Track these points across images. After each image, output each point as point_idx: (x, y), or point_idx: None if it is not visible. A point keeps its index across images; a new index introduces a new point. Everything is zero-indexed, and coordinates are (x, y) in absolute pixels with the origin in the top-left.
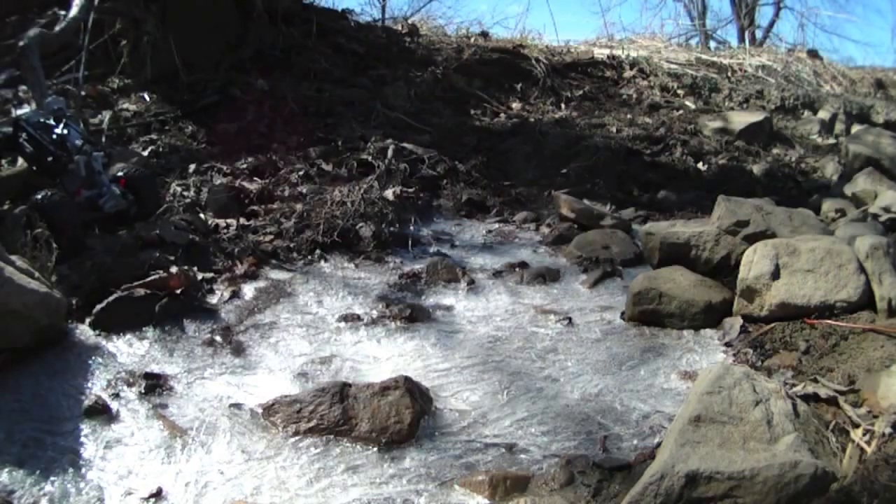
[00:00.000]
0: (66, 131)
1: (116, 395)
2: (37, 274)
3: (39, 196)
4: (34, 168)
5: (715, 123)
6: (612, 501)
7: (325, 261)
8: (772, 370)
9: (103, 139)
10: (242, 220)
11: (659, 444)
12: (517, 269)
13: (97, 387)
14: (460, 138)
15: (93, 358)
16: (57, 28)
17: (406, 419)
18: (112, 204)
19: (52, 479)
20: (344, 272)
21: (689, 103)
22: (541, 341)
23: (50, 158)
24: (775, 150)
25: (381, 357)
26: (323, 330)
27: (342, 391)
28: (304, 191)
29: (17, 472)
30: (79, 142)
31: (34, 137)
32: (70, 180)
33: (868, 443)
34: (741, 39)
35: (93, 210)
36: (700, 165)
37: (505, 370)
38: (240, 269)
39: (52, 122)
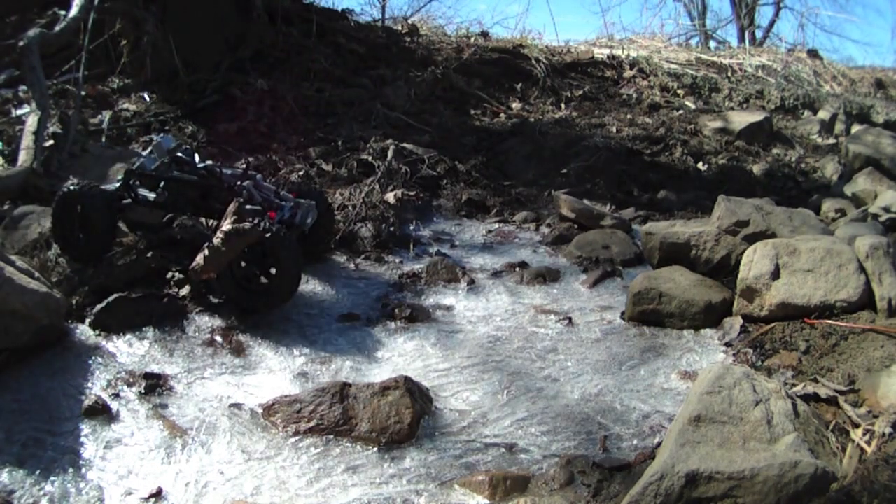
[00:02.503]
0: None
1: (116, 395)
2: (37, 274)
3: (73, 187)
4: (199, 211)
5: (715, 123)
6: (612, 501)
7: (326, 261)
8: (772, 370)
9: (103, 139)
10: None
11: (659, 444)
12: (517, 269)
13: (97, 387)
14: (460, 138)
15: (93, 358)
16: (57, 28)
17: (406, 419)
18: (309, 216)
19: (52, 479)
20: (344, 272)
21: (689, 103)
22: (541, 341)
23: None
24: (775, 150)
25: (381, 357)
26: (323, 330)
27: (342, 391)
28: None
29: (17, 472)
30: (228, 170)
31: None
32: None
33: (868, 443)
34: (741, 39)
35: (291, 228)
36: (700, 165)
37: (505, 370)
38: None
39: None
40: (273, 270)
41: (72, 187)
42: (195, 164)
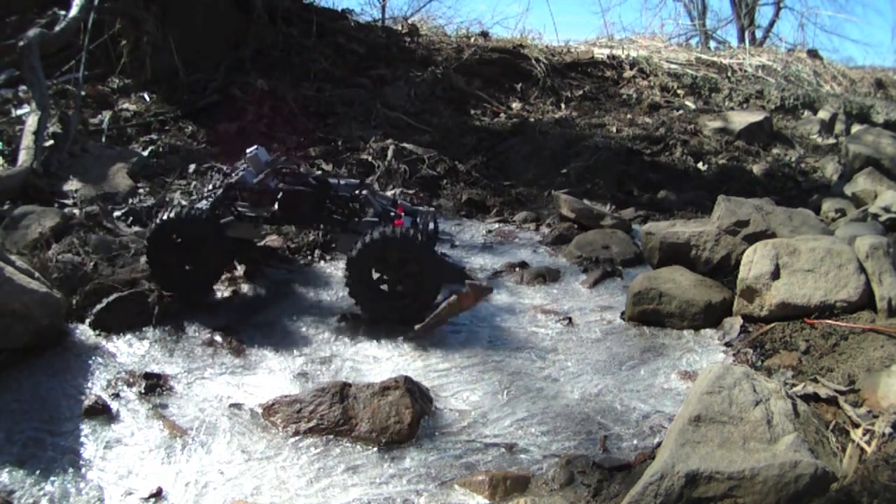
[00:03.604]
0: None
1: (116, 395)
2: (37, 274)
3: (170, 215)
4: (321, 225)
5: (715, 123)
6: (612, 501)
7: (325, 261)
8: (772, 370)
9: (103, 139)
10: None
11: (659, 444)
12: (517, 269)
13: (97, 387)
14: (460, 138)
15: (93, 358)
16: (57, 28)
17: (406, 419)
18: (431, 224)
19: (52, 479)
20: (344, 272)
21: (689, 103)
22: (541, 341)
23: (340, 209)
24: (775, 150)
25: (381, 357)
26: (323, 330)
27: (342, 391)
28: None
29: (17, 472)
30: (342, 180)
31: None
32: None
33: (868, 443)
34: (741, 39)
35: (423, 236)
36: (700, 165)
37: (505, 370)
38: (240, 269)
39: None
40: (410, 279)
41: (168, 216)
42: (305, 175)
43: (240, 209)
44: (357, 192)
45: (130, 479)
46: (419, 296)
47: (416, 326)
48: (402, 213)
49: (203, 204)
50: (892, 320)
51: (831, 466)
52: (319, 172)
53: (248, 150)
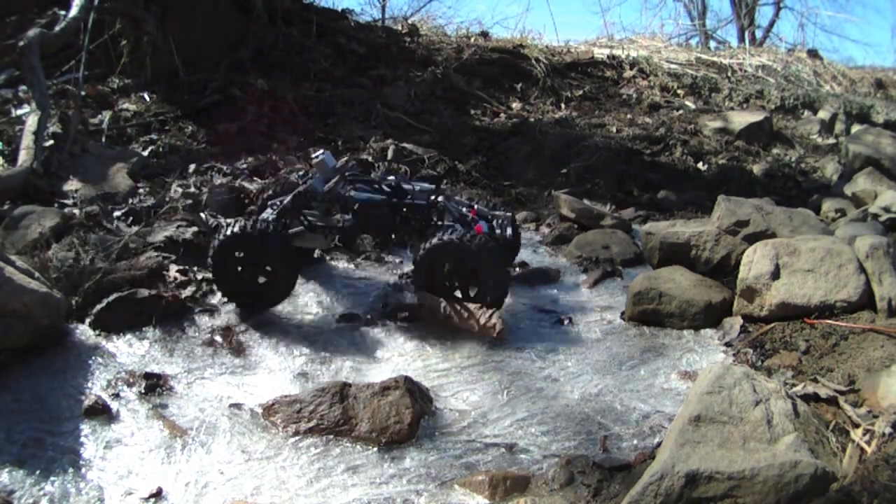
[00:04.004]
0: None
1: (116, 395)
2: (37, 274)
3: (235, 230)
4: (396, 234)
5: (715, 123)
6: (612, 501)
7: (325, 261)
8: (772, 370)
9: (103, 139)
10: None
11: (659, 444)
12: (517, 269)
13: (97, 387)
14: (460, 138)
15: (93, 358)
16: (57, 28)
17: (406, 419)
18: (508, 228)
19: (52, 479)
20: (344, 272)
21: (689, 103)
22: (541, 341)
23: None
24: (775, 150)
25: (381, 357)
26: (323, 330)
27: (342, 391)
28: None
29: (17, 472)
30: (416, 185)
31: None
32: (454, 226)
33: (868, 443)
34: (741, 39)
35: (496, 241)
36: (700, 165)
37: (505, 370)
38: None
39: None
40: (476, 284)
41: (233, 230)
42: (376, 181)
43: (310, 219)
44: (433, 197)
45: (130, 479)
46: (485, 301)
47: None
48: (478, 218)
49: (269, 214)
50: (892, 320)
51: (831, 466)
52: (392, 177)
53: (314, 156)
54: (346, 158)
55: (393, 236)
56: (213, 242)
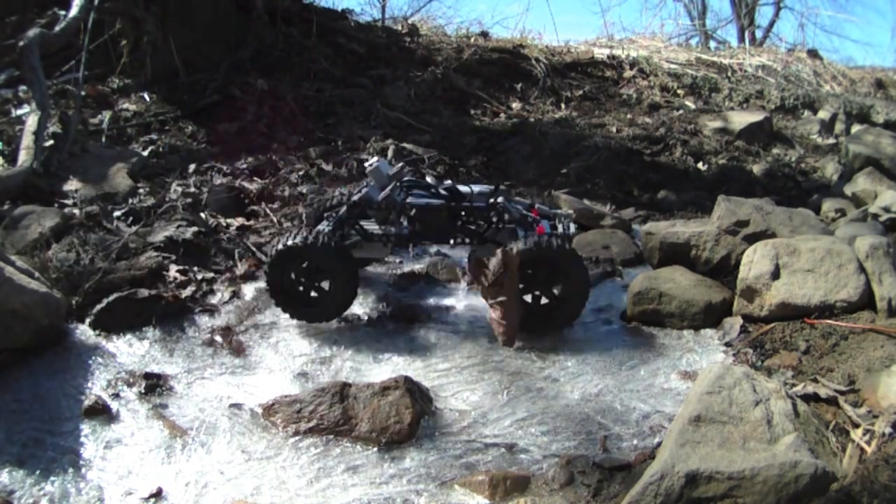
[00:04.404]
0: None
1: (116, 395)
2: (37, 274)
3: (290, 243)
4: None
5: (715, 123)
6: (612, 501)
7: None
8: (772, 370)
9: (103, 139)
10: (242, 220)
11: (659, 444)
12: None
13: (97, 387)
14: (460, 138)
15: (93, 358)
16: (57, 28)
17: (406, 419)
18: (571, 227)
19: (52, 479)
20: None
21: (689, 103)
22: (541, 341)
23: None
24: (775, 150)
25: (381, 357)
26: (323, 330)
27: (342, 391)
28: (304, 191)
29: (17, 472)
30: (475, 187)
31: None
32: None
33: (868, 443)
34: (741, 39)
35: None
36: (700, 165)
37: (505, 370)
38: (240, 269)
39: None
40: (560, 288)
41: (288, 243)
42: (433, 185)
43: (366, 228)
44: (493, 199)
45: (130, 479)
46: (567, 304)
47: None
48: (540, 217)
49: (324, 226)
50: (892, 320)
51: (831, 466)
52: (449, 182)
53: (368, 164)
54: (400, 164)
55: (452, 241)
56: (271, 253)
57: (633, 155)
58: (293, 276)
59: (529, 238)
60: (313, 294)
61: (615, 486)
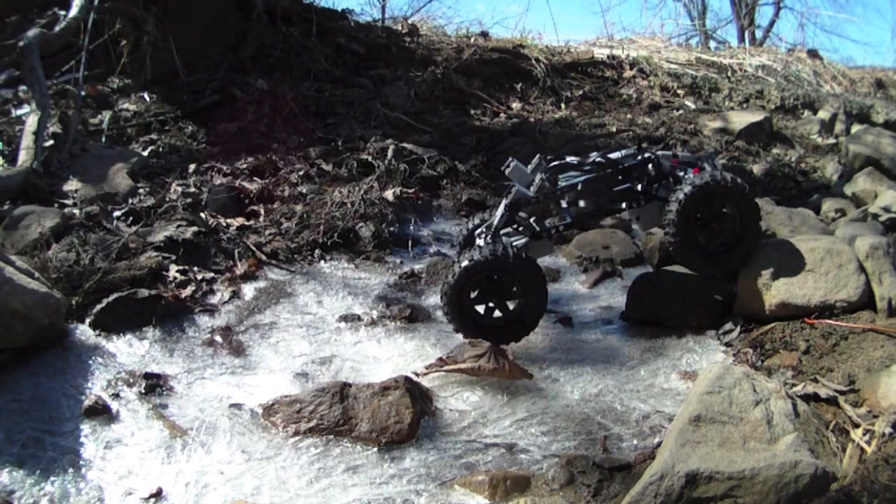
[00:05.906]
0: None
1: (116, 395)
2: (37, 274)
3: (476, 259)
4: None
5: (715, 123)
6: (612, 501)
7: (325, 261)
8: (772, 370)
9: (103, 139)
10: (242, 220)
11: (659, 444)
12: None
13: (97, 387)
14: (460, 138)
15: (93, 358)
16: (57, 28)
17: (406, 419)
18: (717, 163)
19: (52, 479)
20: (344, 272)
21: (689, 103)
22: (541, 341)
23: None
24: (775, 150)
25: (381, 357)
26: (323, 330)
27: (342, 391)
28: (304, 191)
29: (17, 472)
30: (620, 152)
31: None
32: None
33: (868, 443)
34: (741, 39)
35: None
36: None
37: None
38: (240, 269)
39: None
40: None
41: (475, 258)
42: (579, 163)
43: (533, 226)
44: (643, 156)
45: (130, 479)
46: (739, 246)
47: (422, 368)
48: (685, 165)
49: (483, 242)
50: (892, 320)
51: (831, 466)
52: (595, 154)
53: (505, 169)
54: (538, 156)
55: (623, 205)
56: (448, 281)
57: None
58: (475, 299)
59: (704, 174)
60: (497, 313)
61: (615, 486)
